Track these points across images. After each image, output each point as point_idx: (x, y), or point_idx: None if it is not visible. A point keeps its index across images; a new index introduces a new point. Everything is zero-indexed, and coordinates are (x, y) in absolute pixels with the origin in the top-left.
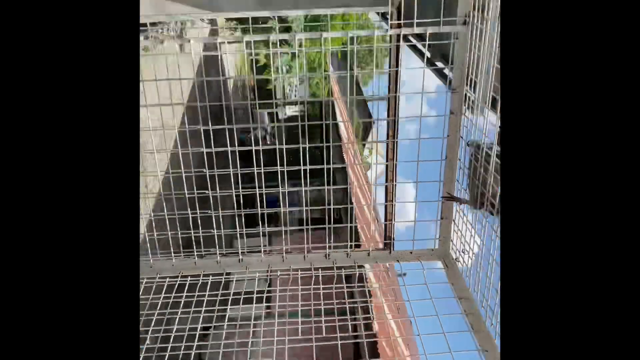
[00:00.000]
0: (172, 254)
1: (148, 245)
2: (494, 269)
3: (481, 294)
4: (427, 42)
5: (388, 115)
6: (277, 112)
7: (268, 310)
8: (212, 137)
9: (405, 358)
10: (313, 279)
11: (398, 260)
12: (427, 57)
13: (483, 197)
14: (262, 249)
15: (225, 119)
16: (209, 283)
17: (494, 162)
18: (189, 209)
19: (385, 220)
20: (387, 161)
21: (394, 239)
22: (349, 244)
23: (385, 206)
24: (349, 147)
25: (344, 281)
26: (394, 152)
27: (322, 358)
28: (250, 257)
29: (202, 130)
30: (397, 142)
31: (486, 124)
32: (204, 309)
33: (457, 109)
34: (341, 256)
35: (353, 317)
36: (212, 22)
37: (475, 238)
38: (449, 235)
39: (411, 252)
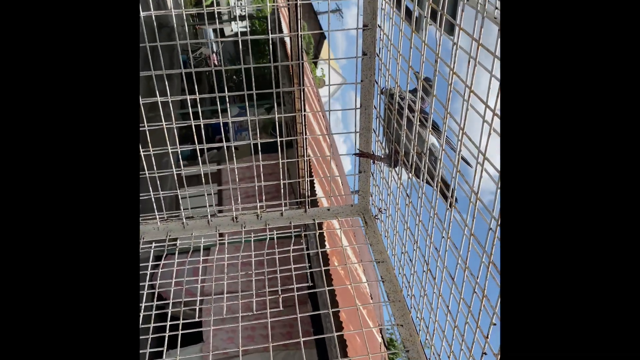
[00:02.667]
0: None
1: None
2: (407, 234)
3: (397, 260)
4: None
5: None
6: (222, 29)
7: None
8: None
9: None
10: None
11: (314, 220)
12: None
13: (397, 154)
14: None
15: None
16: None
17: (406, 117)
18: None
19: (298, 177)
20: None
21: (309, 196)
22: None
23: (297, 162)
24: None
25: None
26: (301, 100)
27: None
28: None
29: None
30: (302, 88)
31: (398, 69)
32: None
33: (370, 48)
34: (250, 218)
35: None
36: None
37: (392, 197)
38: (368, 190)
39: (329, 210)
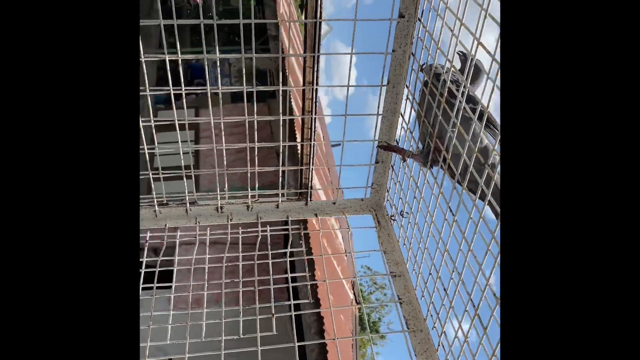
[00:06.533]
0: None
1: None
2: (445, 259)
3: (422, 280)
4: None
5: None
6: None
7: None
8: None
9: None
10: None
11: (316, 215)
12: None
13: (437, 154)
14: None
15: None
16: None
17: (462, 108)
18: None
19: (301, 164)
20: (304, 84)
21: (311, 187)
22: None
23: (302, 146)
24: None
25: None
26: (313, 70)
27: None
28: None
29: None
30: (317, 55)
31: (454, 42)
32: None
33: (409, 9)
34: (239, 209)
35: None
36: None
37: (421, 203)
38: (385, 184)
39: (334, 203)
